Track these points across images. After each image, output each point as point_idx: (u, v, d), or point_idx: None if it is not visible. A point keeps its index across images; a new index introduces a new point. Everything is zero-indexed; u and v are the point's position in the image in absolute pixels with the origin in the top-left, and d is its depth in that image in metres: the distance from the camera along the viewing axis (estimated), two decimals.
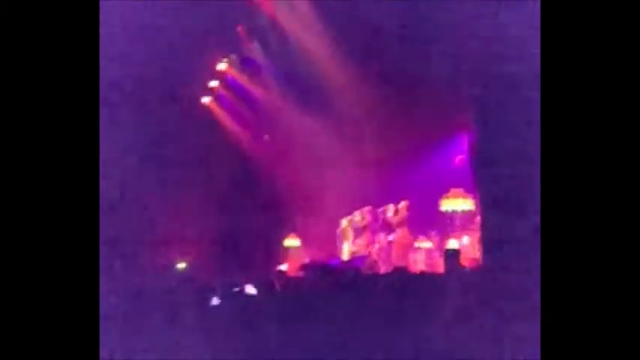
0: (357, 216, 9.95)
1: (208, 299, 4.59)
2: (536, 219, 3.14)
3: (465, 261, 6.91)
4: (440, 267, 7.72)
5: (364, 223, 9.86)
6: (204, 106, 10.76)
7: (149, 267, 7.66)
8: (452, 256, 5.85)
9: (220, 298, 4.58)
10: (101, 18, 2.93)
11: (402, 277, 2.88)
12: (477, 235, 7.22)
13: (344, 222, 10.16)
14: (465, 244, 8.55)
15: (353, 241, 9.98)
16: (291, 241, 10.77)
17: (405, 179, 9.60)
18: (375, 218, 9.77)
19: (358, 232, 9.94)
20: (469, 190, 8.56)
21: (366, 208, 9.88)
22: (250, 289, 4.37)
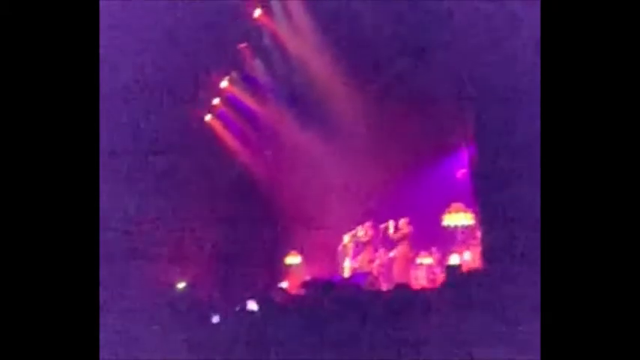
0: (359, 232, 9.92)
1: (209, 317, 4.56)
2: (536, 233, 3.14)
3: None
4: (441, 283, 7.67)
5: (366, 239, 9.83)
6: (205, 124, 10.83)
7: (149, 285, 7.62)
8: (454, 271, 5.81)
9: (221, 316, 4.55)
10: (101, 41, 2.95)
11: (403, 294, 2.86)
12: (479, 249, 7.19)
13: (346, 238, 10.13)
14: (467, 259, 8.51)
15: (354, 258, 9.94)
16: (292, 259, 10.73)
17: (405, 195, 9.58)
18: (377, 234, 9.74)
19: (360, 248, 9.90)
20: (469, 205, 8.54)
21: (368, 224, 9.86)
22: (252, 305, 4.34)
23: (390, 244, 9.55)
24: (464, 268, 7.14)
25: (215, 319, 4.58)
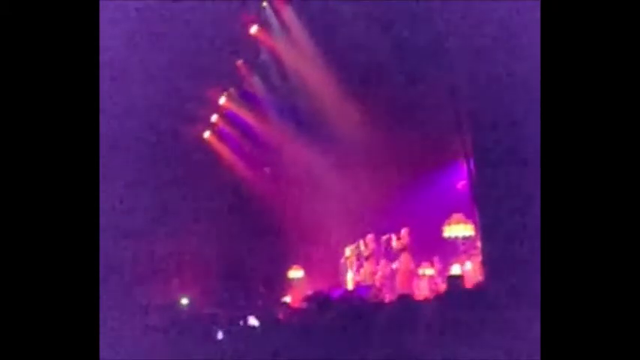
0: (360, 245, 9.90)
1: (213, 333, 4.54)
2: (536, 242, 3.14)
3: (468, 286, 6.85)
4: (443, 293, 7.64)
5: (368, 251, 9.81)
6: (204, 140, 10.87)
7: (151, 301, 7.60)
8: (455, 281, 5.81)
9: (224, 332, 4.53)
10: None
11: (406, 305, 2.87)
12: (479, 259, 7.19)
13: (347, 251, 10.11)
14: (468, 269, 8.51)
15: (357, 271, 9.91)
16: (295, 273, 10.70)
17: (406, 206, 9.58)
18: (379, 246, 9.72)
19: (362, 261, 9.88)
20: (469, 216, 8.56)
21: (369, 237, 9.85)
22: (252, 321, 4.32)
23: (391, 255, 9.53)
24: (465, 279, 7.14)
25: (219, 335, 4.56)
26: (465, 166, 7.98)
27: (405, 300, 3.47)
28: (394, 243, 9.45)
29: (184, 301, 9.30)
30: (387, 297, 8.63)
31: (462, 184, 8.80)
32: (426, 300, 6.07)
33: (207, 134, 11.02)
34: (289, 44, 9.57)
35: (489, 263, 3.96)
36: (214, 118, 10.95)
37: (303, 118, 10.18)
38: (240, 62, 10.13)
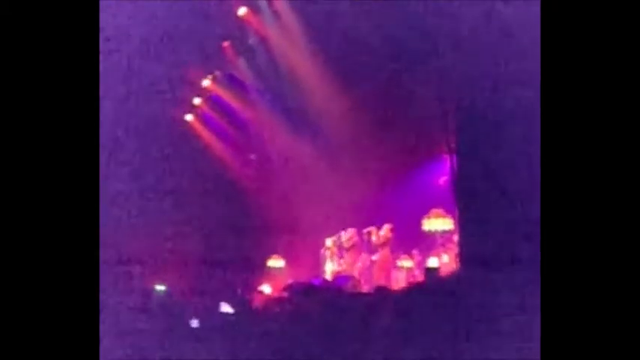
0: (342, 236, 9.91)
1: (188, 320, 4.49)
2: (512, 237, 3.15)
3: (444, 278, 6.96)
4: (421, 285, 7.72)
5: (349, 243, 9.83)
6: (187, 124, 10.71)
7: (129, 288, 7.50)
8: (432, 274, 5.87)
9: (199, 319, 4.48)
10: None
11: (383, 295, 2.85)
12: (455, 252, 7.29)
13: (329, 242, 10.11)
14: (444, 262, 8.64)
15: (337, 261, 9.93)
16: (275, 262, 10.67)
17: (388, 200, 9.61)
18: (360, 239, 9.75)
19: (342, 252, 9.89)
20: (449, 211, 8.65)
21: (351, 229, 9.86)
22: (225, 308, 4.29)
23: (372, 248, 9.57)
24: (442, 271, 7.25)
25: (194, 323, 4.51)
26: (447, 162, 8.02)
27: (382, 290, 3.45)
28: (374, 237, 9.50)
29: (161, 287, 9.21)
30: (365, 288, 8.68)
31: (443, 179, 8.86)
32: (402, 290, 6.10)
33: (189, 117, 10.85)
34: (279, 30, 9.45)
35: (466, 255, 3.97)
36: (197, 101, 10.77)
37: (289, 106, 10.10)
38: (226, 44, 9.95)
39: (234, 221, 10.64)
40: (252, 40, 9.88)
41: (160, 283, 9.14)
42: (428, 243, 9.14)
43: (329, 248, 10.07)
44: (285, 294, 7.53)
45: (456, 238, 7.74)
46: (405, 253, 9.31)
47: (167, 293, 8.74)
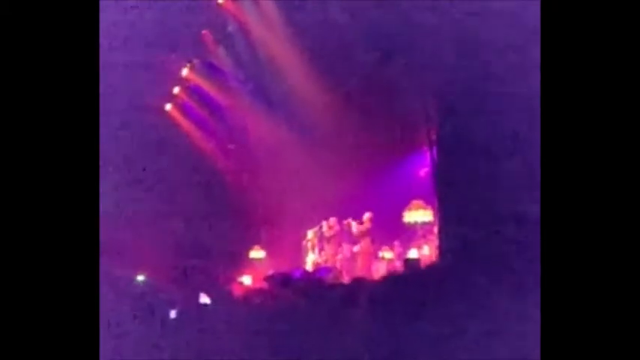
0: (323, 227, 9.93)
1: (167, 310, 4.44)
2: (492, 226, 3.17)
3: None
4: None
5: (330, 234, 9.85)
6: (165, 113, 10.56)
7: (107, 277, 7.37)
8: (412, 264, 5.93)
9: (178, 310, 4.43)
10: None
11: (363, 286, 2.86)
12: (436, 244, 7.39)
13: (310, 233, 10.11)
14: (425, 253, 8.74)
15: (318, 253, 9.95)
16: (256, 253, 10.65)
17: (369, 192, 9.65)
18: (341, 230, 9.78)
19: (323, 243, 9.91)
20: (429, 202, 8.76)
21: (332, 220, 9.88)
22: (204, 299, 4.25)
23: (353, 239, 9.61)
24: (422, 262, 7.34)
25: (172, 313, 4.46)
26: (428, 154, 8.07)
27: (361, 281, 3.45)
28: (355, 227, 9.53)
29: (140, 277, 9.11)
30: (346, 279, 8.72)
31: (424, 171, 8.93)
32: (381, 280, 6.12)
33: (168, 107, 10.70)
34: (259, 17, 9.35)
35: (446, 246, 4.00)
36: (176, 90, 10.62)
37: (269, 96, 10.03)
38: (205, 32, 9.81)
39: (215, 212, 10.57)
40: (231, 28, 9.76)
41: (140, 274, 9.04)
42: (408, 234, 9.25)
43: (310, 239, 10.08)
44: (266, 285, 7.51)
45: (436, 229, 7.83)
46: (385, 244, 9.38)
47: (147, 284, 8.65)
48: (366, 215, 9.50)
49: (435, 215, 8.31)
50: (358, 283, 3.01)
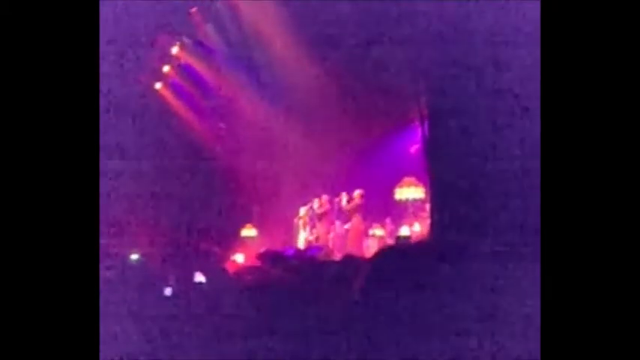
0: (315, 204, 9.99)
1: (161, 289, 4.51)
2: (483, 202, 3.24)
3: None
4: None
5: (322, 211, 9.91)
6: (156, 92, 10.47)
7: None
8: (403, 242, 6.01)
9: (173, 288, 4.50)
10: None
11: (354, 263, 2.92)
12: (428, 221, 7.45)
13: (302, 211, 10.18)
14: (416, 230, 8.81)
15: (310, 231, 10.02)
16: (248, 231, 10.72)
17: (361, 169, 9.69)
18: (333, 207, 9.84)
19: (315, 221, 9.98)
20: (421, 179, 8.78)
21: (324, 197, 9.93)
22: (199, 277, 4.32)
23: (345, 216, 9.68)
24: (413, 240, 7.41)
25: (167, 291, 4.53)
26: (419, 130, 8.09)
27: (353, 258, 3.53)
28: (345, 204, 9.59)
29: (134, 256, 9.16)
30: (338, 257, 8.81)
31: (415, 147, 8.95)
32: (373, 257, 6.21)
33: (158, 86, 10.61)
34: None
35: (438, 223, 4.07)
36: (166, 68, 10.52)
37: (259, 74, 9.97)
38: (194, 10, 9.67)
39: (206, 191, 10.58)
40: (219, 5, 9.62)
41: (134, 252, 9.10)
42: (400, 211, 9.30)
43: (302, 217, 10.15)
44: (258, 263, 7.58)
45: (427, 206, 7.87)
46: (377, 221, 9.45)
47: (141, 262, 8.71)
48: (357, 192, 9.54)
49: (426, 192, 8.35)
50: (350, 260, 3.08)
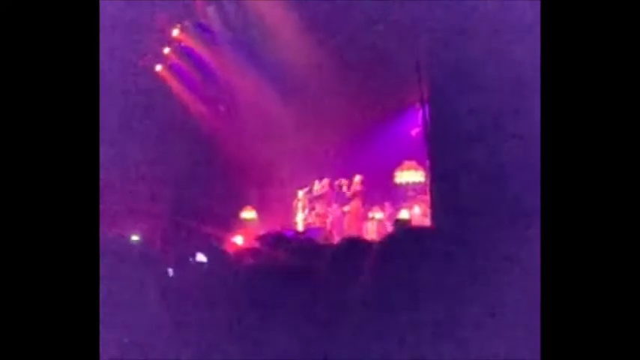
0: (314, 187, 10.03)
1: (164, 269, 4.56)
2: (482, 187, 3.25)
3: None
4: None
5: (321, 194, 9.96)
6: (156, 75, 10.44)
7: (102, 237, 7.46)
8: (402, 225, 6.04)
9: (174, 269, 4.54)
10: None
11: (353, 246, 2.97)
12: (427, 205, 7.50)
13: (300, 193, 10.22)
14: (415, 213, 8.86)
15: (309, 213, 10.08)
16: (248, 213, 10.78)
17: (360, 152, 9.70)
18: (332, 190, 9.88)
19: (314, 203, 10.03)
20: (421, 163, 8.80)
21: (323, 180, 9.97)
22: (200, 257, 4.35)
23: (343, 199, 9.72)
24: (412, 223, 7.46)
25: (170, 271, 4.58)
26: (420, 113, 8.08)
27: (353, 240, 3.56)
28: (345, 188, 9.62)
29: (135, 237, 9.20)
30: (337, 239, 8.87)
31: (415, 131, 8.95)
32: (372, 240, 6.26)
33: (159, 68, 10.56)
34: None
35: (438, 207, 4.09)
36: (167, 50, 10.46)
37: (260, 57, 9.92)
38: None
39: (205, 173, 10.61)
40: None
41: (135, 234, 9.15)
42: (400, 195, 9.34)
43: (301, 200, 10.19)
44: (258, 245, 7.63)
45: (427, 190, 7.91)
46: (376, 205, 9.49)
47: (142, 243, 8.77)
48: (357, 178, 9.58)
49: (426, 176, 8.38)
50: (349, 243, 3.11)
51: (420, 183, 9.09)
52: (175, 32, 10.21)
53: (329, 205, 9.87)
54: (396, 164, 9.45)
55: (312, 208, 10.04)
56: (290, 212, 10.38)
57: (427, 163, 6.97)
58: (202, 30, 10.18)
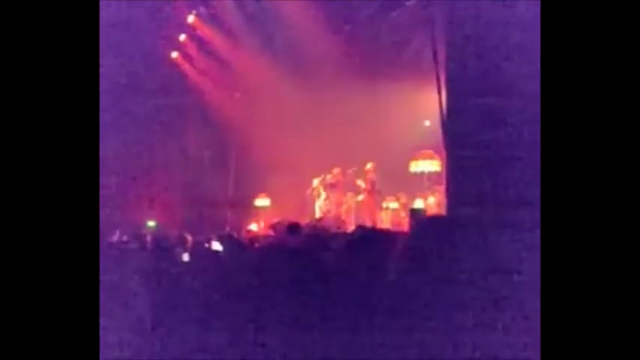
0: (328, 176, 10.02)
1: (179, 254, 4.61)
2: (499, 176, 3.22)
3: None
4: (405, 226, 7.93)
5: (335, 182, 9.94)
6: (171, 61, 10.47)
7: (119, 223, 7.60)
8: (417, 214, 6.01)
9: (190, 255, 4.59)
10: None
11: (367, 235, 2.96)
12: (443, 195, 7.44)
13: (315, 182, 10.22)
14: (430, 203, 8.78)
15: (323, 201, 10.08)
16: (262, 201, 10.83)
17: (376, 140, 9.65)
18: (346, 179, 9.86)
19: (328, 192, 10.03)
20: (437, 152, 8.72)
21: (337, 169, 9.95)
22: (216, 245, 4.39)
23: (358, 189, 9.70)
24: (427, 213, 7.41)
25: (185, 257, 4.62)
26: (436, 101, 8.00)
27: (367, 229, 3.55)
28: (360, 177, 9.59)
29: (151, 223, 9.34)
30: (350, 228, 8.86)
31: (431, 119, 8.85)
32: (386, 230, 6.25)
33: (175, 55, 10.59)
34: None
35: (453, 197, 4.06)
36: (182, 37, 10.48)
37: (274, 43, 9.89)
38: None
39: (221, 160, 10.66)
40: None
41: (151, 219, 9.27)
42: (415, 185, 9.27)
43: (315, 188, 10.20)
44: (272, 232, 7.67)
45: (443, 179, 7.84)
46: (391, 194, 9.45)
47: (158, 230, 8.88)
48: (370, 165, 9.53)
49: (442, 165, 8.31)
50: (362, 232, 3.10)
51: (435, 172, 9.00)
52: (191, 19, 10.21)
53: (343, 194, 9.86)
54: (412, 153, 9.38)
55: (326, 197, 10.04)
56: (304, 200, 10.40)
57: (443, 152, 6.92)
58: (218, 18, 10.18)
